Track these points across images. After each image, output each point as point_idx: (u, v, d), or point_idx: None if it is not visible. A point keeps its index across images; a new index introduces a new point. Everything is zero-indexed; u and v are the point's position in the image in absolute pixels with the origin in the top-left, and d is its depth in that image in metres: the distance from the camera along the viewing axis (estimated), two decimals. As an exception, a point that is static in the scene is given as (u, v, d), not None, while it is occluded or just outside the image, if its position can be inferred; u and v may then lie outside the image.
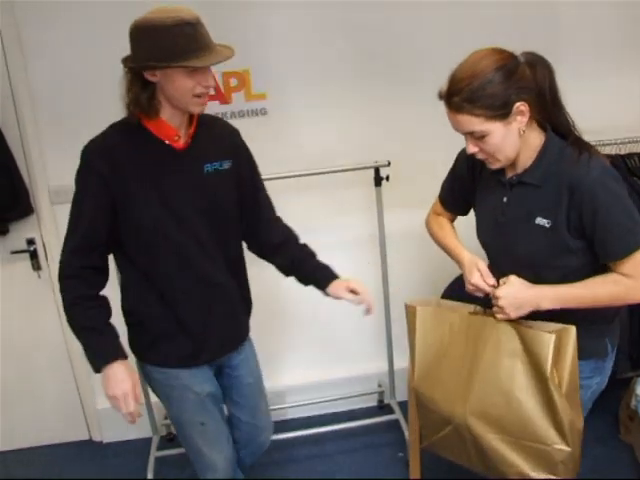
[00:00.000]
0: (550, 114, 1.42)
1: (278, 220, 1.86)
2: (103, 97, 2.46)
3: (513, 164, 1.48)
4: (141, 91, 1.49)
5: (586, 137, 1.48)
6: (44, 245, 2.56)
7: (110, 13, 2.22)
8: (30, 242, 2.54)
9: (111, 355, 1.57)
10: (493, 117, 1.34)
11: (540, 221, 1.44)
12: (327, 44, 2.42)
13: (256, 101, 2.43)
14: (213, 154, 1.64)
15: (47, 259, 2.58)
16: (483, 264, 1.55)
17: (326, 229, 2.58)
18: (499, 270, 1.53)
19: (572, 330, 1.38)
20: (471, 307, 1.56)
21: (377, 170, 2.35)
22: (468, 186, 1.67)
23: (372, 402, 2.88)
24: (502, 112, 1.34)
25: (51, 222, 2.54)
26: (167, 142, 1.57)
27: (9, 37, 2.30)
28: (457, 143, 1.58)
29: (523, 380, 1.40)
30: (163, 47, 1.40)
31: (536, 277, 1.47)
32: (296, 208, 2.46)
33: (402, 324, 2.61)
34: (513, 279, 1.45)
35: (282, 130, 2.49)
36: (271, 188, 2.40)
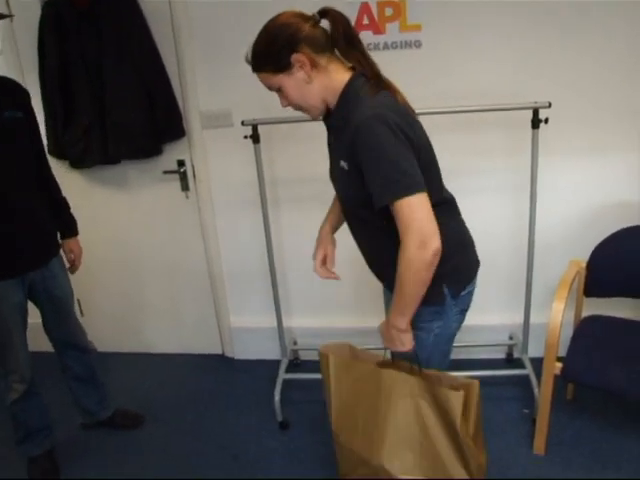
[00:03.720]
0: (350, 58, 1.43)
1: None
2: (254, 32, 2.49)
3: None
4: None
5: None
6: (193, 167, 2.67)
7: None
8: (180, 163, 2.67)
9: None
10: (277, 71, 1.42)
11: (342, 164, 1.44)
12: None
13: (411, 32, 2.32)
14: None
15: (195, 181, 2.70)
16: (331, 249, 1.70)
17: (470, 172, 2.48)
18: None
19: (476, 384, 1.47)
20: (380, 357, 1.62)
21: (536, 111, 2.17)
22: None
23: (499, 354, 2.81)
24: (282, 65, 1.41)
25: (201, 145, 2.64)
26: None
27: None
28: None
29: (436, 430, 1.48)
30: None
31: (361, 229, 1.57)
32: (442, 149, 2.36)
33: (544, 277, 2.52)
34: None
35: (435, 64, 2.36)
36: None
